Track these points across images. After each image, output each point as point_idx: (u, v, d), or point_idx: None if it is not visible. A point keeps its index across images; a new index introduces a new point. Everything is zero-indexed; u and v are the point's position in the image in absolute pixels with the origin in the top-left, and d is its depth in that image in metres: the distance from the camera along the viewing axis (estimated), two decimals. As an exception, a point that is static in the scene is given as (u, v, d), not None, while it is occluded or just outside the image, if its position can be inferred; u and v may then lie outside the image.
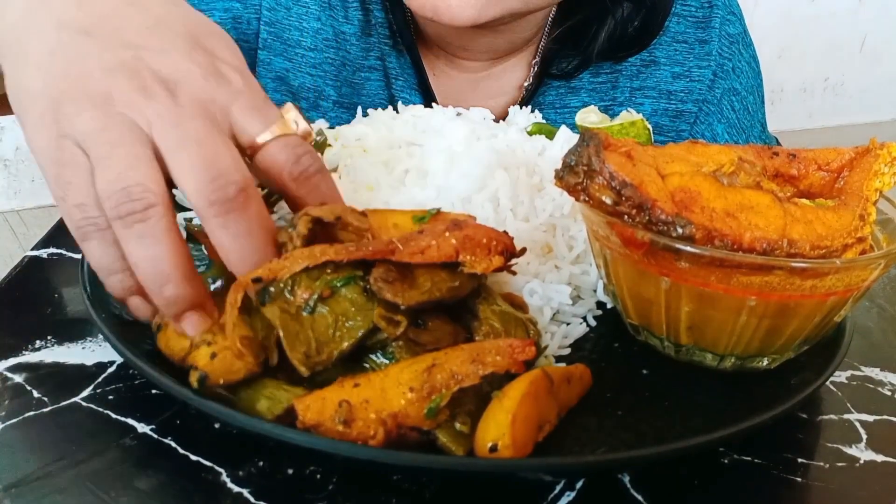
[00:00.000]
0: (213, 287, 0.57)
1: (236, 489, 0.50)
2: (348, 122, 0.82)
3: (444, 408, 0.49)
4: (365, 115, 0.87)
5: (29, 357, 0.61)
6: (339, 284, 0.53)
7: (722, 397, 0.59)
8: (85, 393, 0.57)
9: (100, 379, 0.59)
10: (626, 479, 0.53)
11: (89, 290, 0.61)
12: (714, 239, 0.54)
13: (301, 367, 0.52)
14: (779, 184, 0.63)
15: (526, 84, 1.06)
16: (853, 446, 0.58)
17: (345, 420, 0.48)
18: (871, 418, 0.61)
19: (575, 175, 0.56)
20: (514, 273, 0.61)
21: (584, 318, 0.67)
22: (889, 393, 0.64)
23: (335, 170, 0.73)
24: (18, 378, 0.59)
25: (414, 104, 0.87)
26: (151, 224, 0.50)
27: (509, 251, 0.58)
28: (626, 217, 0.55)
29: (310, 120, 0.58)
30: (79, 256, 0.69)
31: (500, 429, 0.48)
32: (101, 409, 0.56)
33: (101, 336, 0.61)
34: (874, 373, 0.66)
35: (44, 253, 0.77)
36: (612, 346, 0.65)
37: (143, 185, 0.50)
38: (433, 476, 0.52)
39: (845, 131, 3.73)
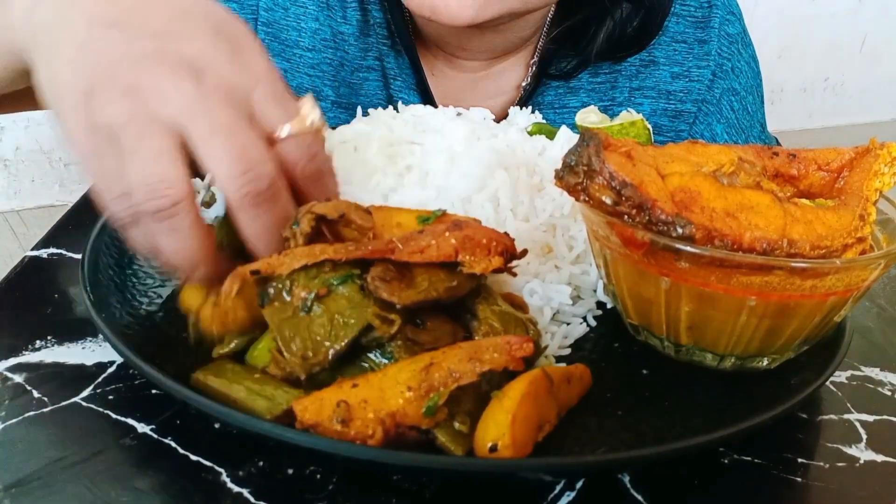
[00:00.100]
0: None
1: (236, 489, 0.50)
2: (347, 122, 0.82)
3: (443, 407, 0.49)
4: (365, 114, 0.87)
5: (29, 357, 0.61)
6: (336, 282, 0.53)
7: (722, 397, 0.59)
8: (85, 393, 0.57)
9: (100, 379, 0.59)
10: (626, 479, 0.53)
11: (89, 289, 0.61)
12: (714, 239, 0.54)
13: (299, 369, 0.52)
14: (779, 184, 0.63)
15: (524, 84, 1.06)
16: (853, 446, 0.58)
17: (343, 420, 0.48)
18: (871, 418, 0.61)
19: (575, 175, 0.56)
20: (514, 275, 0.61)
21: (584, 318, 0.67)
22: (889, 393, 0.64)
23: None
24: (18, 378, 0.59)
25: (412, 104, 0.87)
26: (178, 220, 0.53)
27: (509, 252, 0.58)
28: (626, 217, 0.55)
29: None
30: (79, 256, 0.69)
31: (500, 429, 0.48)
32: (101, 409, 0.56)
33: (101, 336, 0.61)
34: (874, 373, 0.66)
35: (44, 253, 0.77)
36: (612, 346, 0.65)
37: (168, 180, 0.52)
38: (433, 476, 0.52)
39: (845, 131, 3.72)
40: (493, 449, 0.48)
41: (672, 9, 1.04)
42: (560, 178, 0.57)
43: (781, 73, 3.60)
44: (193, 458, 0.52)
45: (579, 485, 0.52)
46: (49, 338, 0.63)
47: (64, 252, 0.77)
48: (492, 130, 0.78)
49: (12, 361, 0.60)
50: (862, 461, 0.56)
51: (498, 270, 0.58)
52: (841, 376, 0.65)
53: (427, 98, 1.04)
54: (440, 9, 0.85)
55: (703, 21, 1.06)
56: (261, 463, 0.52)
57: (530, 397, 0.51)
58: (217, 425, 0.54)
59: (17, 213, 2.91)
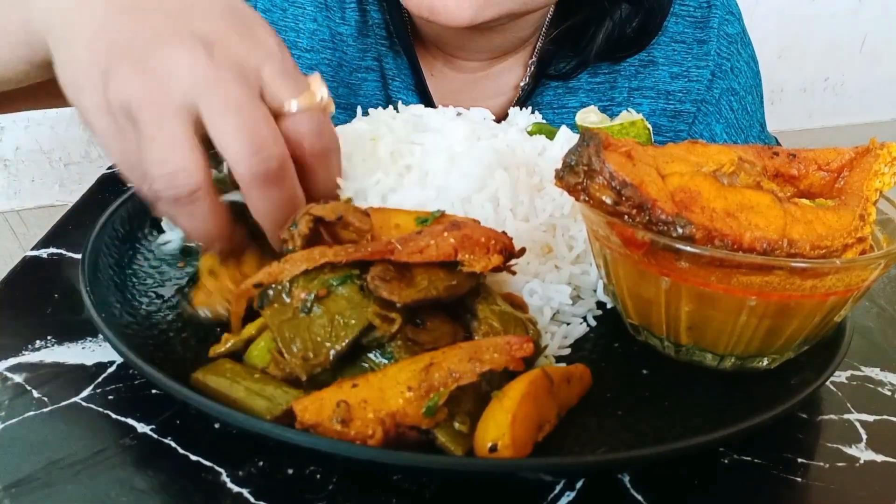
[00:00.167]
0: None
1: (236, 489, 0.50)
2: (346, 122, 0.82)
3: (443, 407, 0.49)
4: (365, 114, 0.87)
5: (29, 357, 0.61)
6: (335, 283, 0.54)
7: (722, 397, 0.59)
8: (85, 393, 0.57)
9: (100, 379, 0.59)
10: (626, 479, 0.53)
11: (89, 289, 0.61)
12: (714, 239, 0.54)
13: (300, 371, 0.52)
14: (779, 184, 0.63)
15: (523, 84, 1.06)
16: (853, 446, 0.58)
17: (342, 420, 0.48)
18: (871, 418, 0.61)
19: (575, 175, 0.56)
20: (513, 273, 0.62)
21: (584, 318, 0.67)
22: (889, 393, 0.64)
23: None
24: (18, 378, 0.59)
25: (411, 105, 0.87)
26: (197, 207, 0.55)
27: (508, 250, 0.58)
28: (626, 217, 0.55)
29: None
30: (79, 256, 0.69)
31: (500, 429, 0.48)
32: (101, 409, 0.56)
33: (101, 336, 0.61)
34: (874, 373, 0.66)
35: (44, 253, 0.77)
36: (612, 346, 0.65)
37: (186, 170, 0.54)
38: (433, 476, 0.52)
39: (845, 131, 3.72)
40: (493, 449, 0.48)
41: (671, 9, 1.04)
42: (560, 177, 0.57)
43: (781, 73, 3.60)
44: (193, 458, 0.52)
45: (579, 485, 0.52)
46: (49, 338, 0.63)
47: (64, 252, 0.77)
48: (492, 130, 0.78)
49: (12, 361, 0.60)
50: (862, 461, 0.56)
51: (497, 269, 0.58)
52: (841, 376, 0.65)
53: (426, 98, 1.04)
54: (438, 9, 0.85)
55: (703, 21, 1.06)
56: (261, 463, 0.52)
57: (530, 397, 0.51)
58: (217, 425, 0.54)
59: (17, 213, 2.90)
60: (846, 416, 0.61)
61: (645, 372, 0.62)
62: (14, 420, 0.55)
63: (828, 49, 3.66)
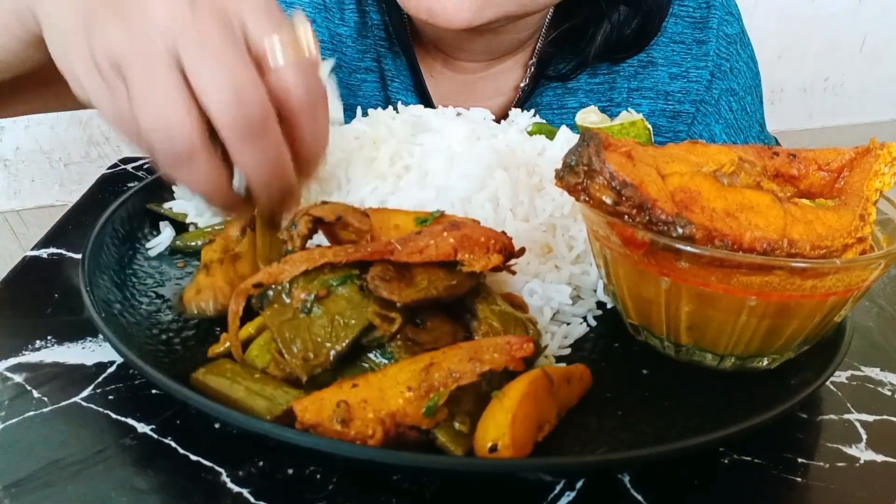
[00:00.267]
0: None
1: (236, 489, 0.50)
2: (345, 123, 0.82)
3: (443, 407, 0.49)
4: (364, 115, 0.87)
5: (29, 357, 0.61)
6: (335, 284, 0.53)
7: (722, 397, 0.59)
8: (85, 393, 0.57)
9: (100, 379, 0.59)
10: (626, 479, 0.53)
11: (89, 289, 0.61)
12: (714, 239, 0.54)
13: (300, 371, 0.52)
14: (779, 184, 0.63)
15: (522, 85, 1.06)
16: (853, 446, 0.58)
17: (342, 420, 0.48)
18: (871, 418, 0.61)
19: (575, 175, 0.56)
20: (513, 273, 0.62)
21: (584, 318, 0.67)
22: (889, 393, 0.64)
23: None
24: (18, 378, 0.59)
25: (411, 105, 0.87)
26: (195, 168, 0.54)
27: (508, 250, 0.58)
28: (626, 217, 0.55)
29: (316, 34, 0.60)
30: (79, 256, 0.69)
31: (500, 429, 0.48)
32: (101, 409, 0.56)
33: (101, 336, 0.61)
34: (874, 373, 0.66)
35: (44, 253, 0.77)
36: (612, 346, 0.65)
37: (180, 126, 0.52)
38: (433, 476, 0.52)
39: (845, 131, 3.72)
40: (493, 449, 0.48)
41: (670, 9, 1.04)
42: (560, 178, 0.57)
43: (781, 73, 3.59)
44: (193, 458, 0.52)
45: (579, 485, 0.52)
46: (49, 338, 0.63)
47: (64, 252, 0.77)
48: (491, 130, 0.78)
49: (12, 361, 0.60)
50: (862, 461, 0.56)
51: (497, 269, 0.58)
52: (841, 376, 0.65)
53: (425, 99, 1.04)
54: (437, 12, 0.85)
55: (702, 22, 1.06)
56: (261, 463, 0.52)
57: (530, 397, 0.51)
58: (217, 425, 0.54)
59: (17, 213, 2.90)
60: (846, 416, 0.61)
61: (645, 372, 0.62)
62: (14, 420, 0.55)
63: (828, 49, 3.65)
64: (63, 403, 0.56)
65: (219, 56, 0.53)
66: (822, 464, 0.56)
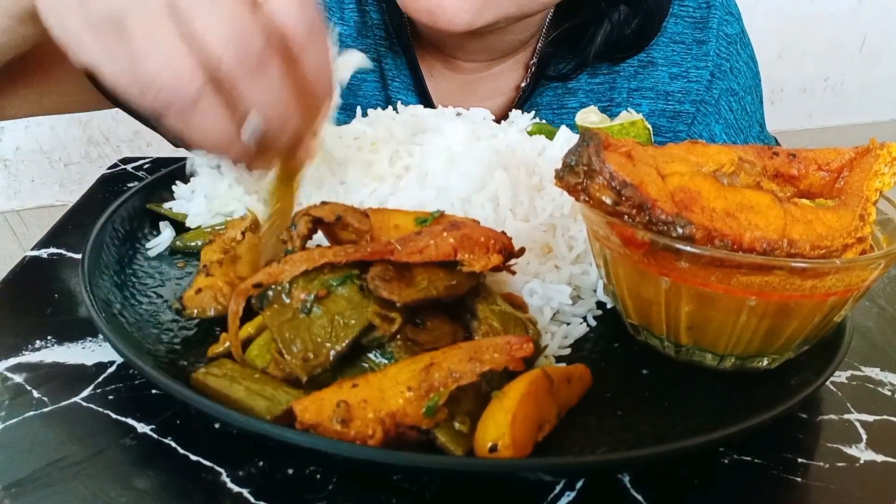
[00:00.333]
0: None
1: (236, 489, 0.50)
2: (345, 123, 0.82)
3: (443, 407, 0.49)
4: (364, 115, 0.87)
5: (29, 357, 0.61)
6: (335, 284, 0.53)
7: (722, 397, 0.59)
8: (85, 393, 0.57)
9: (100, 379, 0.59)
10: (626, 479, 0.53)
11: (89, 289, 0.61)
12: (714, 239, 0.54)
13: (300, 371, 0.52)
14: (779, 184, 0.63)
15: (522, 85, 1.06)
16: (853, 446, 0.58)
17: (342, 420, 0.48)
18: (871, 418, 0.61)
19: (575, 175, 0.56)
20: (513, 273, 0.62)
21: (584, 318, 0.67)
22: (889, 393, 0.64)
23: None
24: (18, 378, 0.59)
25: (411, 105, 0.87)
26: (205, 114, 0.53)
27: (507, 250, 0.58)
28: (626, 217, 0.55)
29: None
30: (79, 256, 0.69)
31: (500, 429, 0.48)
32: (101, 409, 0.56)
33: (101, 336, 0.61)
34: (874, 373, 0.66)
35: (44, 253, 0.77)
36: (612, 346, 0.65)
37: (186, 73, 0.52)
38: (433, 476, 0.52)
39: (845, 131, 3.72)
40: (493, 449, 0.48)
41: (670, 9, 1.04)
42: (560, 178, 0.57)
43: (781, 73, 3.59)
44: (193, 458, 0.52)
45: (579, 485, 0.52)
46: (49, 338, 0.63)
47: (64, 252, 0.77)
48: (491, 130, 0.78)
49: (12, 361, 0.60)
50: (862, 461, 0.56)
51: (497, 269, 0.58)
52: (841, 376, 0.65)
53: (425, 99, 1.04)
54: (437, 14, 0.85)
55: (702, 22, 1.06)
56: (261, 463, 0.52)
57: (530, 397, 0.51)
58: (217, 425, 0.54)
59: (17, 213, 2.90)
60: (846, 416, 0.61)
61: (645, 372, 0.62)
62: (14, 420, 0.55)
63: (828, 49, 3.65)
64: (63, 403, 0.56)
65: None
66: (822, 464, 0.56)
